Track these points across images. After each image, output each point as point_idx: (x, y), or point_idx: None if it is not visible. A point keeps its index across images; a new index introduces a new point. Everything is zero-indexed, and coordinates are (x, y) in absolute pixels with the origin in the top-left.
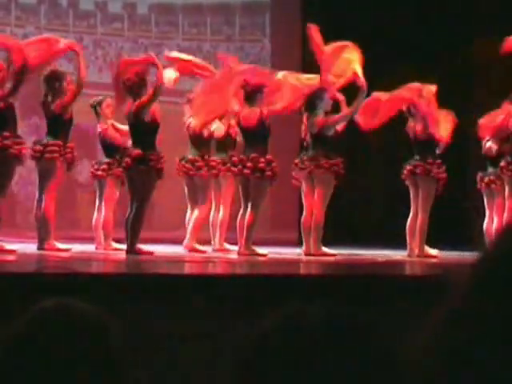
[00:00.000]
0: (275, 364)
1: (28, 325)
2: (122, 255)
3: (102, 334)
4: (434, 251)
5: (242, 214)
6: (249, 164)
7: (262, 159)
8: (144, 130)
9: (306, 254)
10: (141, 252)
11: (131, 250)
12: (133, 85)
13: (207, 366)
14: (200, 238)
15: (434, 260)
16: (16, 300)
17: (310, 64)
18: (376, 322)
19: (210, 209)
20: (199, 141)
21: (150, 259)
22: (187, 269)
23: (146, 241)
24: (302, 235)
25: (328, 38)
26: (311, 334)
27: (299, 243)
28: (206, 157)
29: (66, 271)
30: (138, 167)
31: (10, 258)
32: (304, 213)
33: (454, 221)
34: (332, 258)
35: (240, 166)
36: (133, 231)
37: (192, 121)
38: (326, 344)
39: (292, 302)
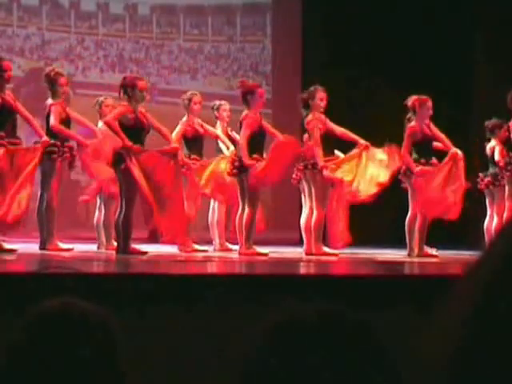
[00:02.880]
0: (275, 363)
1: (31, 324)
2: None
3: (103, 333)
4: (433, 251)
5: (241, 213)
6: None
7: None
8: (128, 132)
9: (307, 254)
10: (134, 252)
11: (124, 251)
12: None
13: (207, 365)
14: (201, 237)
15: (434, 260)
16: (18, 300)
17: (310, 65)
18: (375, 322)
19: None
20: (192, 141)
21: (149, 259)
22: (187, 268)
23: (145, 240)
24: (303, 235)
25: (328, 40)
26: (310, 333)
27: (301, 243)
28: (197, 156)
29: (69, 271)
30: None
31: (10, 257)
32: (305, 212)
33: (454, 220)
34: (333, 258)
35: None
36: (124, 231)
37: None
38: (324, 343)
39: (291, 302)
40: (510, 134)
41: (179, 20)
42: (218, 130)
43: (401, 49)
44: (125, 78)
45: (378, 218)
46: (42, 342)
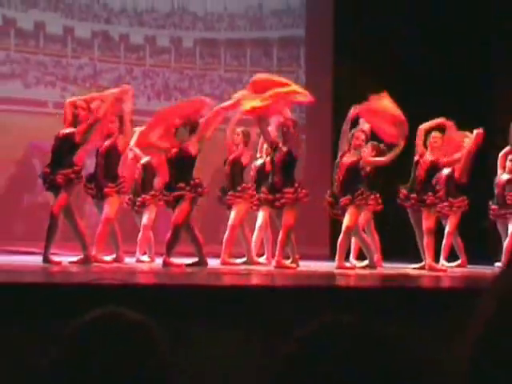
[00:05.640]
0: (309, 373)
1: (82, 331)
2: (164, 268)
3: (147, 338)
4: (446, 265)
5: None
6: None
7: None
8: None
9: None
10: (172, 265)
11: (163, 264)
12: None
13: (243, 375)
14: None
15: (453, 274)
16: (67, 310)
17: (340, 95)
18: (403, 334)
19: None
20: None
21: (187, 272)
22: (226, 280)
23: (182, 254)
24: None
25: (357, 74)
26: (344, 344)
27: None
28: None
29: (115, 282)
30: None
31: (56, 268)
32: None
33: (474, 237)
34: (365, 271)
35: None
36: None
37: None
38: (357, 354)
39: (328, 313)
40: None
41: (220, 52)
42: None
43: (431, 82)
44: None
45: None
46: (93, 346)
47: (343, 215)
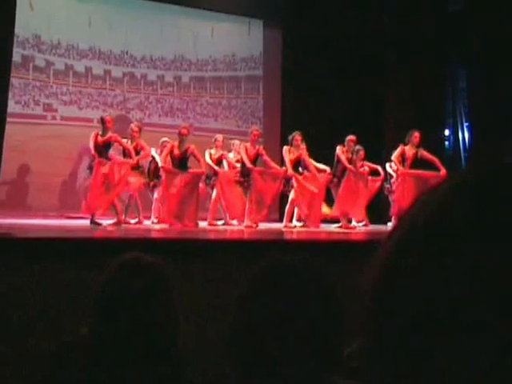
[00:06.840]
0: (264, 294)
1: (119, 266)
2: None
3: (161, 276)
4: (356, 225)
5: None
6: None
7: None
8: (174, 159)
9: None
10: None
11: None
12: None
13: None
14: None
15: (360, 230)
16: (107, 253)
17: (285, 113)
18: (326, 267)
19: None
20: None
21: (183, 230)
22: (211, 235)
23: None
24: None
25: (295, 99)
26: (288, 274)
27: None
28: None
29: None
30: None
31: (99, 228)
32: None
33: (373, 206)
34: (303, 229)
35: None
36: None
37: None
38: (298, 280)
39: (274, 256)
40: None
41: (207, 85)
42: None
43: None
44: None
45: None
46: (121, 279)
47: (290, 191)
